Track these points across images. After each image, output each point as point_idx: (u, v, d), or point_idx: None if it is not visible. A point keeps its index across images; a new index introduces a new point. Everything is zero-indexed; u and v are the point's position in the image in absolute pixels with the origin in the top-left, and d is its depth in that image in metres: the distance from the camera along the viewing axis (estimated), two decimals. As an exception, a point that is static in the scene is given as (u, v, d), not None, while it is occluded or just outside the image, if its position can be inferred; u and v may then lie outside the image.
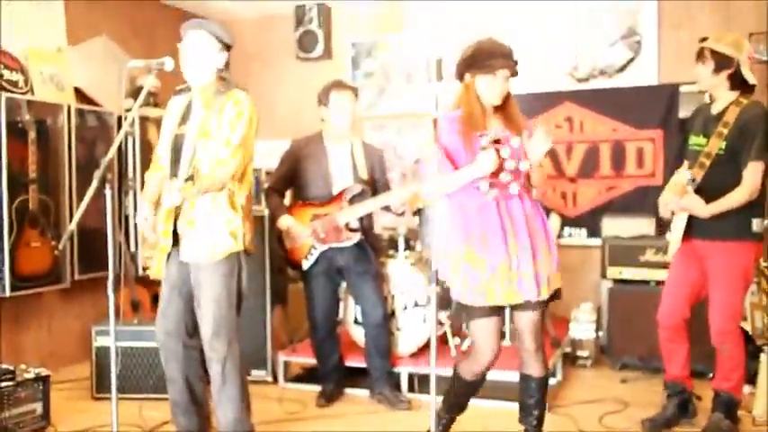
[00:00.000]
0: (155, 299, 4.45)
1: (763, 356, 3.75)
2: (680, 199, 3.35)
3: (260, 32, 6.42)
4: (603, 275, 4.74)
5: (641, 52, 5.21)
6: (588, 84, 5.41)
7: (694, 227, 3.35)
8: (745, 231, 3.32)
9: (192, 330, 3.22)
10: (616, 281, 4.64)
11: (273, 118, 6.14)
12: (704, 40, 3.38)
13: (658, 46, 5.18)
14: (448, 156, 2.88)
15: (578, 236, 5.44)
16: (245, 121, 3.07)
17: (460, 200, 2.89)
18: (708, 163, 3.29)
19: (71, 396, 4.21)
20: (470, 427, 3.36)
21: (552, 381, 4.14)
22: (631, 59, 5.19)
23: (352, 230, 3.96)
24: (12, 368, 3.58)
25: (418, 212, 4.54)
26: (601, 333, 4.80)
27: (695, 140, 3.44)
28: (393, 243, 4.58)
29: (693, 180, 3.30)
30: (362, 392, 4.17)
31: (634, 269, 4.61)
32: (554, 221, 5.43)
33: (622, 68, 5.23)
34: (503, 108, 2.94)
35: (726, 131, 3.26)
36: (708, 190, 3.28)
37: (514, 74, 2.90)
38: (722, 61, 3.28)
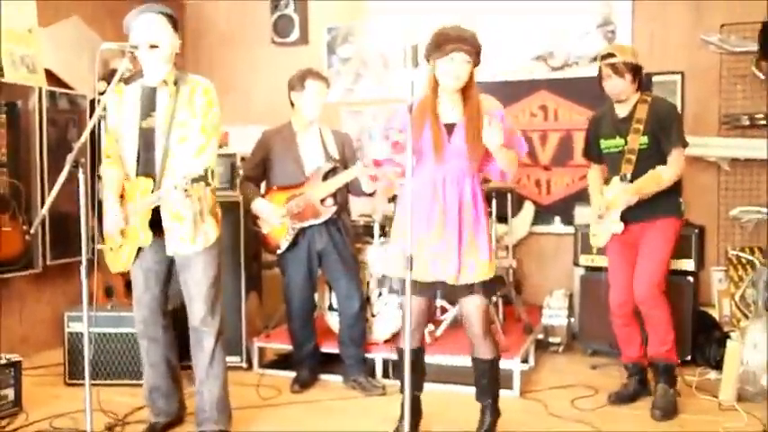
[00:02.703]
0: (128, 284, 4.41)
1: (729, 343, 3.84)
2: (630, 197, 3.53)
3: (235, 15, 6.36)
4: (576, 263, 4.79)
5: (615, 41, 5.24)
6: (563, 72, 5.44)
7: (628, 213, 3.59)
8: (675, 209, 3.67)
9: (167, 313, 3.30)
10: (588, 268, 4.70)
11: (248, 103, 6.11)
12: (608, 57, 3.63)
13: (632, 36, 5.23)
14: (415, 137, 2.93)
15: (552, 224, 5.49)
16: (216, 109, 3.09)
17: (408, 180, 2.92)
18: (634, 158, 3.57)
19: (43, 382, 4.18)
20: (432, 409, 3.42)
21: (524, 366, 4.22)
22: (606, 49, 5.21)
23: (327, 207, 3.98)
24: (-18, 354, 3.55)
25: (393, 199, 4.55)
26: (573, 320, 4.87)
27: (611, 143, 3.72)
28: (369, 230, 4.60)
29: (625, 175, 3.56)
30: (337, 378, 4.19)
31: (606, 257, 4.66)
32: (528, 210, 5.49)
33: (596, 58, 5.24)
34: (464, 93, 2.98)
35: (641, 127, 3.57)
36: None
37: (473, 58, 2.92)
38: (635, 70, 3.60)
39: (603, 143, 3.77)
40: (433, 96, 2.99)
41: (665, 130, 3.56)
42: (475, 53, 2.92)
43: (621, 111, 3.69)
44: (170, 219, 3.05)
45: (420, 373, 3.25)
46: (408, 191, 2.67)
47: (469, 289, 3.00)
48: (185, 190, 2.89)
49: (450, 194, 2.98)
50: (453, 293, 3.13)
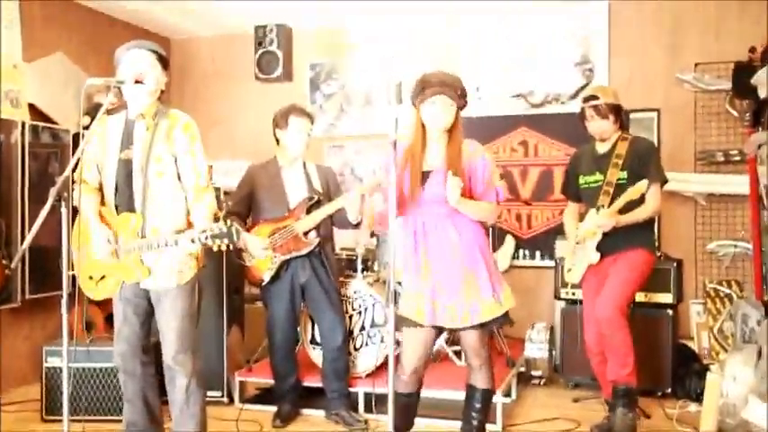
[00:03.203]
0: (108, 318, 4.39)
1: (709, 375, 3.87)
2: (606, 219, 3.56)
3: (219, 52, 6.44)
4: (557, 296, 4.83)
5: (593, 79, 5.37)
6: (543, 109, 5.55)
7: (603, 245, 3.64)
8: (646, 242, 3.73)
9: (149, 348, 3.23)
10: (569, 301, 4.74)
11: (232, 138, 6.16)
12: (591, 99, 3.74)
13: (609, 74, 5.36)
14: (399, 181, 2.98)
15: (533, 258, 5.54)
16: (199, 144, 3.12)
17: (403, 221, 3.02)
18: (611, 191, 3.63)
19: (20, 418, 4.11)
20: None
21: (507, 400, 4.22)
22: (584, 86, 5.34)
23: (310, 239, 4.00)
24: (-41, 389, 3.50)
25: (374, 234, 4.59)
26: (554, 352, 4.88)
27: (590, 179, 3.80)
28: (351, 263, 4.61)
29: (602, 207, 3.62)
30: (319, 413, 4.16)
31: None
32: (509, 244, 5.54)
33: (575, 95, 5.37)
34: (448, 137, 3.03)
35: (621, 162, 3.66)
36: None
37: (456, 101, 2.99)
38: (616, 110, 3.72)
39: (582, 179, 3.83)
40: (418, 141, 3.03)
41: (644, 166, 3.63)
42: (457, 96, 2.98)
43: (602, 148, 3.78)
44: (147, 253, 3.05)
45: (413, 415, 3.25)
46: (391, 226, 2.70)
47: (479, 325, 3.03)
48: (204, 244, 2.90)
49: (432, 240, 3.01)
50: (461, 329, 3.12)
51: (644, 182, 3.49)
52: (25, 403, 4.33)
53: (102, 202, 3.13)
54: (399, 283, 3.09)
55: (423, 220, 3.03)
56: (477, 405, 3.15)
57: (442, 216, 3.01)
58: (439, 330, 3.17)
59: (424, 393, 3.91)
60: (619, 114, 3.74)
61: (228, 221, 2.91)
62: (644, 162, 3.65)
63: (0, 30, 4.43)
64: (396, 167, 2.99)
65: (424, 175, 3.02)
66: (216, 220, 2.92)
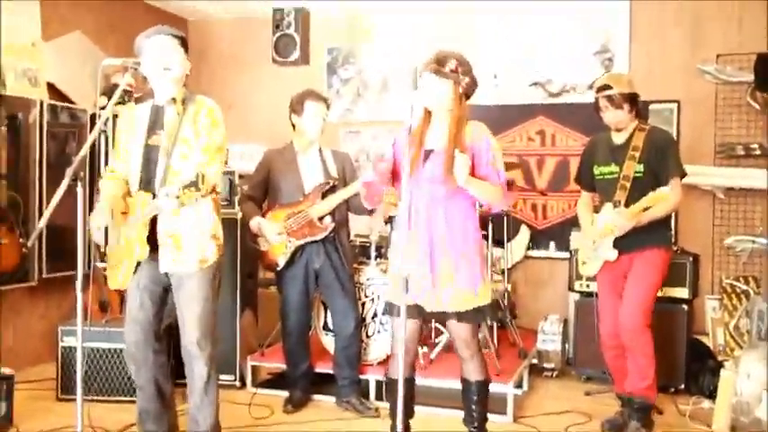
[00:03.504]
0: (124, 299, 4.40)
1: (723, 372, 3.84)
2: (625, 220, 3.48)
3: (237, 35, 6.42)
4: (571, 288, 4.80)
5: (613, 69, 5.30)
6: (561, 98, 5.50)
7: (620, 243, 3.56)
8: (664, 240, 3.67)
9: (161, 335, 3.23)
10: (583, 294, 4.71)
11: (249, 122, 6.14)
12: (604, 89, 3.64)
13: (629, 63, 5.29)
14: (395, 160, 2.99)
15: (547, 248, 5.51)
16: (220, 130, 3.10)
17: (405, 200, 2.90)
18: (628, 185, 3.56)
19: (35, 396, 4.15)
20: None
21: (518, 391, 4.23)
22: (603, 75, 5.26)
23: (325, 225, 3.99)
24: (-25, 367, 3.53)
25: (390, 220, 4.57)
26: (567, 345, 4.87)
27: (605, 170, 3.71)
28: (365, 250, 4.61)
29: (618, 202, 3.55)
30: (330, 399, 4.18)
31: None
32: (523, 234, 5.52)
33: (593, 87, 5.30)
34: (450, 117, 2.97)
35: (638, 154, 3.57)
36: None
37: (450, 79, 2.90)
38: (632, 100, 3.61)
39: (597, 169, 3.76)
40: (423, 121, 3.00)
41: (662, 159, 3.55)
42: (450, 72, 2.90)
43: (618, 138, 3.68)
44: (165, 235, 3.05)
45: (410, 402, 3.21)
46: (402, 213, 2.68)
47: (456, 315, 2.97)
48: (177, 197, 2.88)
49: (422, 220, 2.95)
50: (443, 316, 3.07)
51: (665, 189, 3.38)
52: (42, 382, 4.36)
53: (130, 193, 3.12)
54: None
55: (416, 201, 2.95)
56: (474, 397, 3.11)
57: (438, 198, 2.94)
58: (424, 319, 3.13)
59: (432, 383, 3.94)
60: (634, 104, 3.62)
61: (199, 172, 2.90)
62: (662, 155, 3.56)
63: None
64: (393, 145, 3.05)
65: (426, 154, 2.97)
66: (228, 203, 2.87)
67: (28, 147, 4.66)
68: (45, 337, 4.83)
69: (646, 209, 3.45)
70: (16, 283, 4.59)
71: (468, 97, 3.01)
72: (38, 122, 4.71)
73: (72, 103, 5.11)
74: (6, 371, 3.64)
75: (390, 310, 3.05)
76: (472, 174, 2.89)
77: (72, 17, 5.24)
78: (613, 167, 3.65)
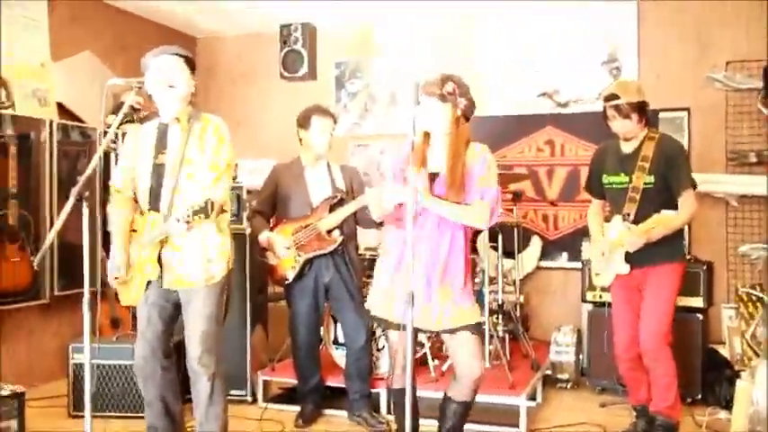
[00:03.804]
0: (135, 316, 4.41)
1: (739, 382, 3.78)
2: (636, 238, 3.40)
3: (245, 52, 6.46)
4: (584, 299, 4.76)
5: (621, 78, 5.28)
6: (569, 108, 5.48)
7: (633, 257, 3.47)
8: (678, 254, 3.60)
9: (170, 352, 3.23)
10: (596, 304, 4.66)
11: (257, 137, 6.17)
12: (611, 98, 3.53)
13: (638, 72, 5.27)
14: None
15: (559, 259, 5.47)
16: (227, 147, 3.11)
17: (409, 219, 2.80)
18: (637, 197, 3.48)
19: (48, 413, 4.16)
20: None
21: (531, 404, 4.18)
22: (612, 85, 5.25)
23: (334, 238, 3.99)
24: (-14, 385, 3.54)
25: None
26: (582, 356, 4.82)
27: (614, 179, 3.64)
28: (374, 264, 4.57)
29: (628, 215, 3.48)
30: (341, 413, 4.15)
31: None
32: (535, 245, 5.48)
33: (600, 96, 5.28)
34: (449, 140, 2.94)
35: (648, 165, 3.49)
36: (642, 221, 3.44)
37: (446, 101, 2.87)
38: (641, 108, 3.51)
39: (606, 178, 3.69)
40: (423, 143, 2.96)
41: (673, 170, 3.47)
42: (443, 96, 2.88)
43: (627, 147, 3.60)
44: (170, 250, 3.06)
45: (416, 414, 3.13)
46: (409, 229, 2.61)
47: (454, 334, 2.91)
48: (187, 222, 2.89)
49: (424, 240, 2.88)
50: (448, 333, 2.98)
51: (670, 213, 3.38)
52: (54, 399, 4.36)
53: (138, 211, 3.15)
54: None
55: (422, 222, 2.89)
56: (453, 419, 2.99)
57: (439, 219, 2.91)
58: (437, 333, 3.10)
59: (440, 396, 3.88)
60: (643, 112, 3.52)
61: (209, 198, 2.90)
62: (671, 166, 3.47)
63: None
64: (394, 164, 3.03)
65: (431, 177, 2.94)
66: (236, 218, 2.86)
67: (39, 166, 4.69)
68: (57, 354, 4.84)
69: (657, 209, 3.42)
70: (29, 301, 4.62)
71: (467, 119, 2.97)
72: (48, 141, 4.74)
73: (82, 122, 5.15)
74: (18, 388, 3.64)
75: (381, 324, 3.04)
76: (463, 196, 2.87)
77: (81, 37, 5.30)
78: (623, 177, 3.59)
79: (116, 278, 3.09)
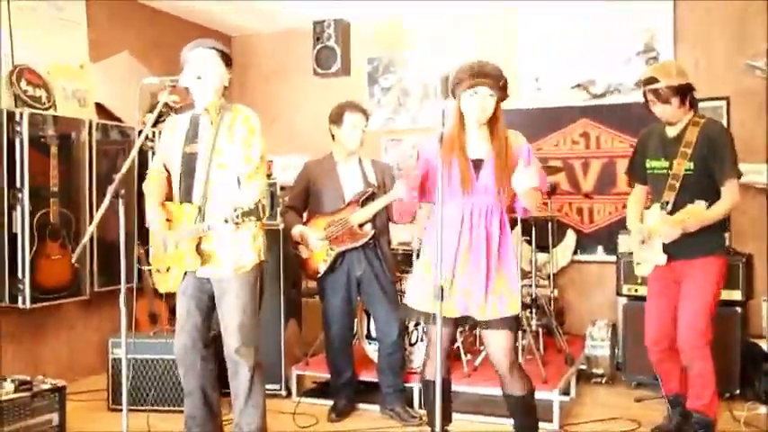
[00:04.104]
0: (173, 311, 4.49)
1: (777, 376, 3.71)
2: (670, 229, 3.30)
3: (278, 48, 6.52)
4: (619, 292, 4.70)
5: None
6: (604, 99, 5.40)
7: (671, 248, 3.36)
8: (718, 247, 3.44)
9: (209, 342, 3.30)
10: (632, 298, 4.60)
11: (291, 133, 6.22)
12: (650, 81, 3.40)
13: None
14: (427, 171, 2.96)
15: (594, 252, 5.41)
16: (258, 138, 3.17)
17: (439, 211, 2.83)
18: (677, 184, 3.36)
19: (89, 407, 4.27)
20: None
21: (565, 398, 4.15)
22: (648, 76, 5.16)
23: (365, 231, 4.01)
24: (28, 379, 3.64)
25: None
26: (617, 350, 4.76)
27: (656, 164, 3.51)
28: (408, 258, 4.61)
29: (666, 203, 3.36)
30: (374, 407, 4.18)
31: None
32: (570, 238, 5.43)
33: (639, 84, 5.18)
34: (490, 128, 2.96)
35: (690, 151, 3.34)
36: (680, 209, 3.32)
37: (496, 91, 2.89)
38: (683, 92, 3.36)
39: (648, 163, 3.55)
40: (459, 131, 2.97)
41: (716, 157, 3.31)
42: (498, 87, 2.90)
43: (671, 131, 3.46)
44: (210, 244, 3.12)
45: (447, 406, 3.18)
46: (439, 221, 2.66)
47: (495, 325, 2.93)
48: (236, 224, 2.95)
49: (477, 230, 2.94)
50: (486, 325, 3.00)
51: (702, 204, 3.23)
52: (94, 393, 4.48)
53: (170, 198, 3.24)
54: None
55: (470, 210, 2.93)
56: (521, 412, 3.05)
57: (489, 206, 2.94)
58: (470, 327, 3.11)
59: (476, 390, 3.88)
60: (686, 95, 3.35)
61: (259, 200, 2.95)
62: (715, 152, 3.31)
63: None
64: (424, 156, 3.01)
65: (474, 164, 2.95)
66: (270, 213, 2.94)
67: (79, 165, 4.80)
68: (98, 348, 4.96)
69: (698, 196, 3.28)
70: (70, 297, 4.73)
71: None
72: (87, 141, 4.86)
73: (120, 121, 5.26)
74: (59, 382, 3.74)
75: (427, 319, 3.00)
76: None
77: (119, 37, 5.41)
78: (663, 162, 3.44)
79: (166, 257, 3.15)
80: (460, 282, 2.94)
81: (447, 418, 3.19)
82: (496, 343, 2.97)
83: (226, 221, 2.94)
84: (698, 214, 3.24)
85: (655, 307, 3.58)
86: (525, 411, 3.06)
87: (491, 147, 2.94)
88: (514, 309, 2.94)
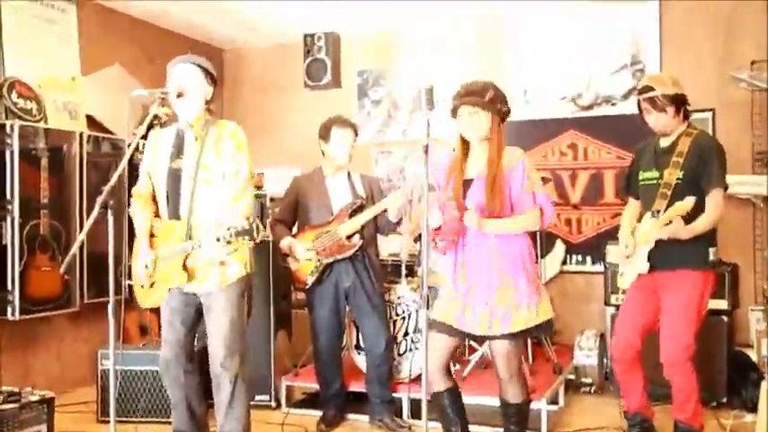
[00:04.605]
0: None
1: (763, 384, 3.72)
2: (656, 230, 3.28)
3: (269, 61, 6.57)
4: (607, 302, 4.73)
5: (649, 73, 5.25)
6: (592, 111, 5.46)
7: (654, 258, 3.35)
8: (703, 260, 3.36)
9: (193, 355, 3.30)
10: (619, 308, 4.61)
11: (283, 145, 6.25)
12: (646, 90, 3.42)
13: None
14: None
15: (582, 262, 5.45)
16: (246, 153, 3.18)
17: (424, 221, 2.89)
18: (669, 193, 3.33)
19: (77, 419, 4.26)
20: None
21: (554, 407, 4.17)
22: (635, 87, 5.21)
23: (353, 242, 4.04)
24: (17, 390, 3.63)
25: (419, 238, 4.58)
26: (606, 360, 4.78)
27: (647, 175, 3.50)
28: (396, 269, 4.63)
29: (658, 211, 3.33)
30: (363, 418, 4.19)
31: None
32: (558, 249, 5.47)
33: (626, 96, 5.27)
34: (489, 146, 3.01)
35: (681, 160, 3.33)
36: None
37: (485, 109, 2.94)
38: (678, 101, 3.38)
39: (641, 174, 3.55)
40: (460, 152, 3.05)
41: (705, 167, 3.31)
42: (484, 102, 2.94)
43: (664, 142, 3.47)
44: (195, 259, 3.12)
45: (462, 413, 3.16)
46: (423, 227, 2.70)
47: (509, 335, 2.95)
48: (228, 242, 2.96)
49: (471, 246, 2.97)
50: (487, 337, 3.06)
51: (690, 199, 3.18)
52: (84, 404, 4.46)
53: (157, 213, 3.24)
54: (430, 288, 3.00)
55: (464, 228, 2.97)
56: (515, 419, 3.09)
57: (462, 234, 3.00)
58: (463, 336, 3.12)
59: (465, 400, 3.89)
60: (680, 106, 3.37)
61: (252, 219, 2.97)
62: (704, 162, 3.30)
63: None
64: (434, 173, 3.08)
65: (465, 184, 3.02)
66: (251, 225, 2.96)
67: (69, 177, 4.82)
68: (88, 360, 4.96)
69: (670, 222, 3.24)
70: (60, 309, 4.74)
71: (502, 122, 3.05)
72: (78, 154, 4.87)
73: (111, 133, 5.28)
74: (48, 394, 3.74)
75: (443, 329, 3.04)
76: (510, 200, 2.98)
77: (110, 50, 5.45)
78: (654, 173, 3.44)
79: (147, 272, 3.14)
80: (460, 298, 2.98)
81: (465, 428, 3.15)
82: (497, 348, 3.02)
83: (218, 240, 2.95)
84: (682, 209, 3.19)
85: (626, 316, 3.53)
86: (517, 420, 3.09)
87: (484, 165, 2.99)
88: (519, 324, 2.94)
